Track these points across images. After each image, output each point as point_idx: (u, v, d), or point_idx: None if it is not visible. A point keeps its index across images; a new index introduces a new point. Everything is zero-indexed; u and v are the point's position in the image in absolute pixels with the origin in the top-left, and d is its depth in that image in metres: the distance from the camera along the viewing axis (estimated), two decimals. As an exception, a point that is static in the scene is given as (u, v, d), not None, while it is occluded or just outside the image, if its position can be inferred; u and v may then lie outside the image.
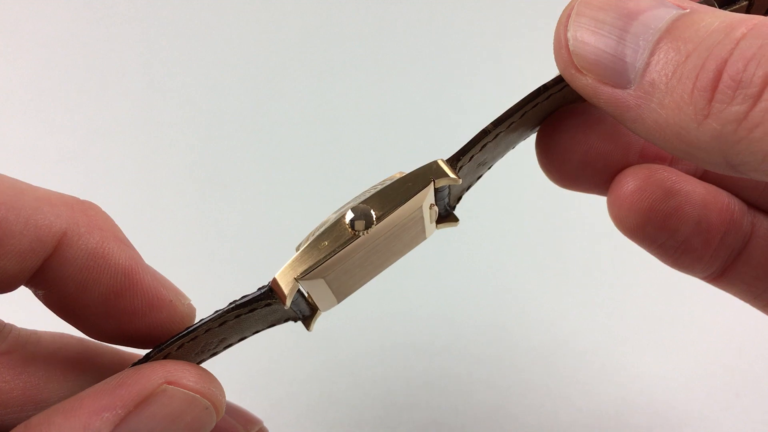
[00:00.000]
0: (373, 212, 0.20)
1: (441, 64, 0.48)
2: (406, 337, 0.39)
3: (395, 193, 0.20)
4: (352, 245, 0.20)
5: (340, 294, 0.22)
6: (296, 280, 0.20)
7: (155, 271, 0.23)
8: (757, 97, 0.15)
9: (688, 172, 0.24)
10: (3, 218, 0.19)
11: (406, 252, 0.22)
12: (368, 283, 0.22)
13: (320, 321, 0.22)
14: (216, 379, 0.20)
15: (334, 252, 0.20)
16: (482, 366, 0.39)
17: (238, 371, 0.36)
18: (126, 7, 0.48)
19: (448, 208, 0.23)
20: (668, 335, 0.40)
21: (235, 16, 0.49)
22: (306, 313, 0.22)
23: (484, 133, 0.21)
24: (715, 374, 0.39)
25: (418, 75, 0.47)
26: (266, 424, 0.25)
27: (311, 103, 0.47)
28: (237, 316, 0.21)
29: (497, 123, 0.21)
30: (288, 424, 0.36)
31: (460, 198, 0.23)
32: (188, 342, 0.21)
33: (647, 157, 0.23)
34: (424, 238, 0.22)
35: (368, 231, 0.20)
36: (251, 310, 0.21)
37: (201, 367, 0.20)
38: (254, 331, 0.22)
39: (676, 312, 0.41)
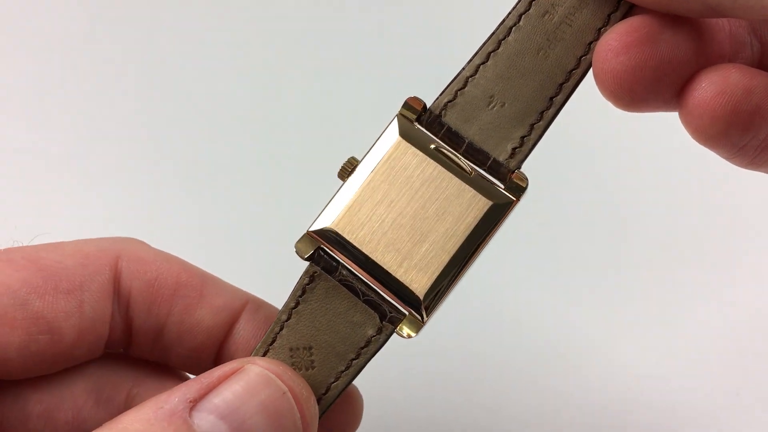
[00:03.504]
0: (354, 159, 0.22)
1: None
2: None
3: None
4: (344, 188, 0.22)
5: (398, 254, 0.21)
6: (309, 232, 0.22)
7: (220, 280, 0.26)
8: None
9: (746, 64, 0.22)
10: (59, 268, 0.23)
11: (451, 209, 0.22)
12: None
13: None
14: (302, 378, 0.21)
15: (333, 197, 0.22)
16: (482, 366, 0.39)
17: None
18: (126, 7, 0.48)
19: (499, 164, 0.22)
20: (668, 334, 0.40)
21: (231, 13, 0.49)
22: (389, 312, 0.22)
23: (459, 72, 0.22)
24: (716, 373, 0.39)
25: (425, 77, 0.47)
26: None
27: (311, 99, 0.47)
28: (296, 303, 0.22)
29: (471, 58, 0.22)
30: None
31: (513, 153, 0.22)
32: (271, 346, 0.22)
33: (710, 57, 0.21)
34: (473, 194, 0.22)
35: (354, 171, 0.22)
36: (303, 292, 0.22)
37: (287, 365, 0.22)
38: (343, 338, 0.22)
39: (677, 311, 0.41)
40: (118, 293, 0.24)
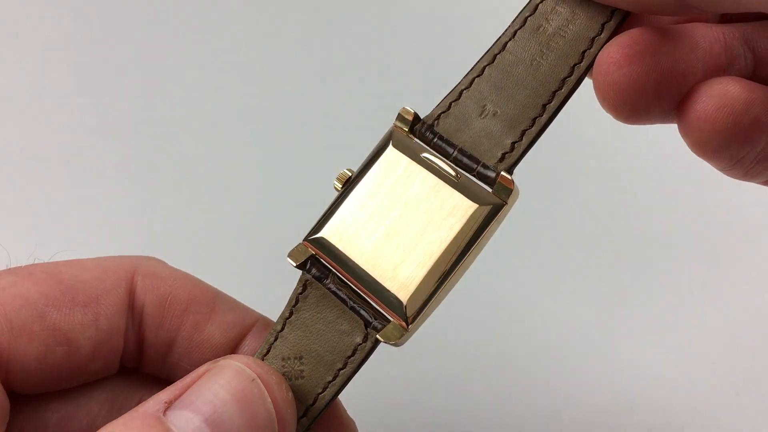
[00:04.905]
0: (348, 171, 0.23)
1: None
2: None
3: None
4: (338, 200, 0.22)
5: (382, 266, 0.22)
6: (304, 240, 0.22)
7: (234, 300, 0.26)
8: None
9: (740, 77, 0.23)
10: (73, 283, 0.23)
11: (440, 216, 0.22)
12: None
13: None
14: (271, 367, 0.22)
15: (328, 207, 0.22)
16: (482, 366, 0.39)
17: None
18: (126, 7, 0.48)
19: (487, 168, 0.22)
20: (668, 334, 0.40)
21: (232, 14, 0.49)
22: (374, 318, 0.22)
23: (455, 86, 0.23)
24: (716, 373, 0.39)
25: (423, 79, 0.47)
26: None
27: (311, 99, 0.47)
28: (290, 314, 0.23)
29: (467, 73, 0.23)
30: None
31: (502, 158, 0.22)
32: (265, 356, 0.22)
33: (708, 69, 0.22)
34: (461, 198, 0.22)
35: (348, 182, 0.22)
36: (296, 301, 0.23)
37: (257, 358, 0.22)
38: (331, 348, 0.22)
39: (676, 311, 0.41)
40: (132, 307, 0.25)
